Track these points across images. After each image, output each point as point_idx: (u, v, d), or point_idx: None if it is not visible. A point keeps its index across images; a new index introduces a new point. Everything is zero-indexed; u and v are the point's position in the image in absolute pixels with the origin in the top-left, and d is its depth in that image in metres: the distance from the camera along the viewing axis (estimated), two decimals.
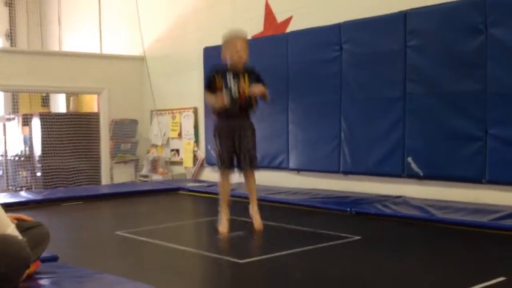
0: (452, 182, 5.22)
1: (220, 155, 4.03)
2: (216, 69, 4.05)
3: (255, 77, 4.07)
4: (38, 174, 8.44)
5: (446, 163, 5.22)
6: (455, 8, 5.16)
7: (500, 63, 4.85)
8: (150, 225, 4.78)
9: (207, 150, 7.93)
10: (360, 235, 4.13)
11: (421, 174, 5.42)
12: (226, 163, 4.05)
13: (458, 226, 4.35)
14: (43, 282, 2.89)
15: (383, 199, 5.39)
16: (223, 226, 4.12)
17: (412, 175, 5.50)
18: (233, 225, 4.74)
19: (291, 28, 6.84)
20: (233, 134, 4.02)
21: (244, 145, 4.05)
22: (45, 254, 3.18)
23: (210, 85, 4.00)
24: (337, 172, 6.16)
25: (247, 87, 3.97)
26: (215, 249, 3.91)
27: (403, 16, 5.53)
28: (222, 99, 3.91)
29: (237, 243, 4.07)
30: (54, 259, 3.33)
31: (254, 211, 4.17)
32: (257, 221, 4.16)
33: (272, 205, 5.75)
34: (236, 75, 3.96)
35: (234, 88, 3.92)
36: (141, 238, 4.16)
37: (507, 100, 4.81)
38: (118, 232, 4.38)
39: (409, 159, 5.50)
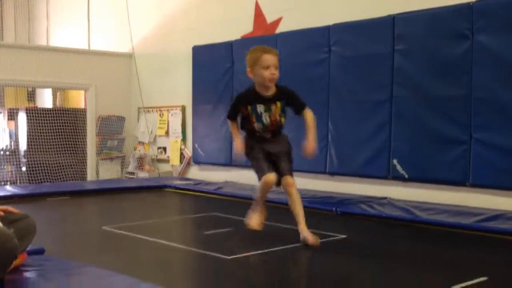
0: (436, 184, 5.30)
1: (258, 166, 3.57)
2: (245, 97, 3.60)
3: (287, 98, 3.66)
4: (23, 168, 8.39)
5: (431, 166, 5.30)
6: (442, 14, 5.24)
7: (485, 69, 4.94)
8: (137, 221, 4.78)
9: (194, 149, 7.95)
10: (345, 234, 4.18)
11: (406, 176, 5.49)
12: (265, 169, 3.53)
13: (442, 227, 4.42)
14: (29, 274, 2.89)
15: (368, 200, 5.45)
16: (254, 221, 3.76)
17: (397, 177, 5.57)
18: (221, 222, 4.77)
19: (280, 29, 6.89)
20: (268, 147, 3.64)
21: (283, 155, 3.66)
22: (31, 247, 3.18)
23: (233, 115, 3.64)
24: (323, 173, 6.21)
25: (278, 113, 3.58)
26: (202, 245, 3.92)
27: (391, 20, 5.60)
28: (239, 146, 3.60)
29: (224, 239, 4.09)
30: (40, 251, 3.33)
31: (304, 229, 3.65)
32: (312, 238, 3.64)
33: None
34: (267, 102, 3.54)
35: (265, 117, 3.53)
36: (128, 234, 4.16)
37: (491, 106, 4.90)
38: (105, 227, 4.37)
39: (395, 161, 5.57)
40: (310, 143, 3.61)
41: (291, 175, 3.63)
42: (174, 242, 3.92)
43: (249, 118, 3.57)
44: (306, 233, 3.59)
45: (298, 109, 3.70)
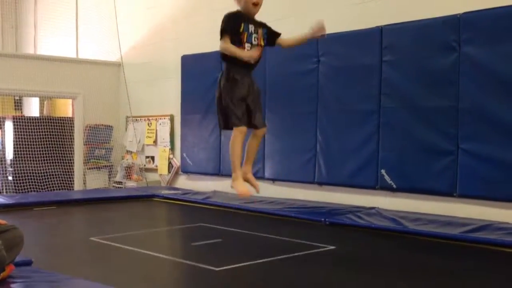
0: (424, 194, 5.33)
1: (235, 110, 3.44)
2: (237, 15, 3.52)
3: (267, 30, 3.66)
4: (10, 178, 8.30)
5: (419, 176, 5.33)
6: (429, 25, 5.30)
7: (472, 81, 4.99)
8: (125, 232, 4.74)
9: (182, 158, 7.93)
10: (334, 245, 4.17)
11: (394, 186, 5.52)
12: (243, 119, 3.46)
13: (429, 238, 4.42)
14: (16, 286, 2.86)
15: (357, 210, 5.46)
16: (243, 187, 3.59)
17: (386, 187, 5.59)
18: (209, 232, 4.75)
19: None
20: (247, 89, 3.53)
21: (257, 101, 3.60)
22: (19, 258, 3.15)
23: (228, 30, 3.46)
24: (312, 182, 6.22)
25: (262, 38, 3.55)
26: (190, 256, 3.90)
27: (379, 32, 5.65)
28: (259, 52, 3.43)
29: (213, 251, 4.07)
30: (28, 263, 3.29)
31: (250, 172, 3.66)
32: (256, 183, 3.67)
33: (248, 214, 5.78)
34: (255, 26, 3.53)
35: (254, 38, 3.48)
36: (116, 245, 4.12)
37: (478, 117, 4.95)
38: (93, 238, 4.33)
39: (383, 172, 5.60)
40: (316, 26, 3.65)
41: (265, 125, 3.68)
42: (162, 254, 3.89)
43: (239, 38, 3.49)
44: (251, 177, 3.65)
45: (277, 35, 3.73)
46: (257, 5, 3.56)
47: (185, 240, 4.75)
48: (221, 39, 3.52)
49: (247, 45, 3.48)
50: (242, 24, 3.47)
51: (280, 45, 3.76)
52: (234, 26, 3.47)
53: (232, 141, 3.50)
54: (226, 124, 3.56)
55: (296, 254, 3.89)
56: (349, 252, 4.09)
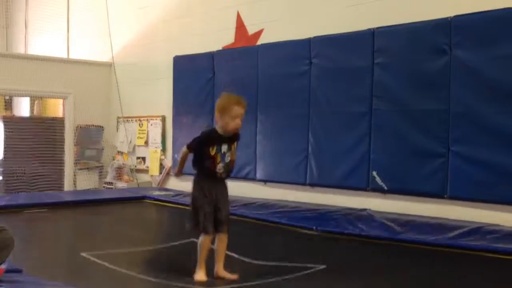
0: (415, 196, 5.35)
1: (204, 219, 3.62)
2: (209, 138, 3.69)
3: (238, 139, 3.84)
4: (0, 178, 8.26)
5: (410, 178, 5.35)
6: (421, 28, 5.32)
7: (462, 84, 5.02)
8: (115, 247, 4.35)
9: (174, 159, 7.91)
10: (325, 263, 3.89)
11: (385, 188, 5.53)
12: (211, 228, 3.63)
13: (421, 246, 4.37)
14: None
15: (348, 212, 5.47)
16: (202, 278, 3.63)
17: (377, 189, 5.61)
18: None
19: (262, 40, 6.91)
20: (216, 198, 3.68)
21: (225, 209, 3.72)
22: (8, 266, 3.10)
23: (196, 149, 3.67)
24: (303, 184, 6.23)
25: (235, 152, 3.74)
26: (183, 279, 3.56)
27: (371, 34, 5.67)
28: (179, 173, 3.80)
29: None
30: (18, 272, 3.24)
31: (221, 270, 3.72)
32: (230, 275, 3.71)
33: (239, 220, 5.58)
34: (228, 142, 3.69)
35: (227, 155, 3.65)
36: (107, 265, 3.85)
37: (468, 119, 4.98)
38: (83, 254, 4.06)
39: (374, 173, 5.62)
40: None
41: (228, 231, 3.72)
42: (152, 276, 3.66)
43: (213, 159, 3.64)
44: (223, 273, 3.66)
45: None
46: (237, 129, 3.68)
47: (179, 260, 4.35)
48: (186, 147, 3.67)
49: (219, 166, 3.62)
50: (215, 147, 3.62)
51: None
52: (205, 147, 3.62)
53: (200, 243, 3.63)
54: (196, 224, 3.66)
55: (287, 276, 3.59)
56: (340, 271, 3.80)
